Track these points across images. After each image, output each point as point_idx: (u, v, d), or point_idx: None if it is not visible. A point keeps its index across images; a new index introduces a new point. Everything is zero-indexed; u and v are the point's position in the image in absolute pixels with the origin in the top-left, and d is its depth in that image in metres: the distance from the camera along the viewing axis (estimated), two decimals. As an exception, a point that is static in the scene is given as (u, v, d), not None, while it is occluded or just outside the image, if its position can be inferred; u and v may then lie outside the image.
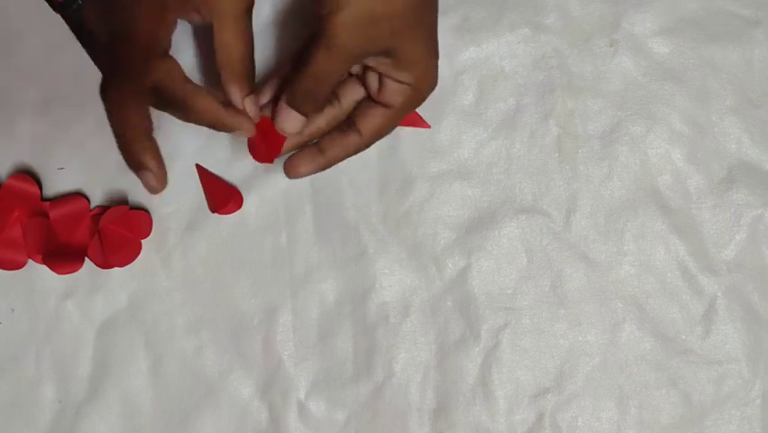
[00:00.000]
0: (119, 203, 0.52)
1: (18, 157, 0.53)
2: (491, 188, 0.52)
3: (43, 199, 0.52)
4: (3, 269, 0.52)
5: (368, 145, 0.47)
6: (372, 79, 0.45)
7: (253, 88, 0.45)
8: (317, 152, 0.46)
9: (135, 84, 0.40)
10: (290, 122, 0.44)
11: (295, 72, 0.43)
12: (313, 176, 0.52)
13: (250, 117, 0.45)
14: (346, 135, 0.46)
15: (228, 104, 0.45)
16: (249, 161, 0.52)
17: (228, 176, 0.52)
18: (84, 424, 0.51)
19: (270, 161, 0.47)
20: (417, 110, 0.52)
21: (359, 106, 0.47)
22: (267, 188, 0.52)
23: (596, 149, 0.52)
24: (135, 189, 0.52)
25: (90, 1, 0.44)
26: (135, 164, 0.40)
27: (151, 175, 0.41)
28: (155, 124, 0.52)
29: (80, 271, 0.51)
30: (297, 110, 0.44)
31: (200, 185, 0.52)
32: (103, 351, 0.52)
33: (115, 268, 0.52)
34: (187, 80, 0.44)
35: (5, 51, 0.53)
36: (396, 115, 0.46)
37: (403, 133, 0.52)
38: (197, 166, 0.52)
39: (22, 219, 0.52)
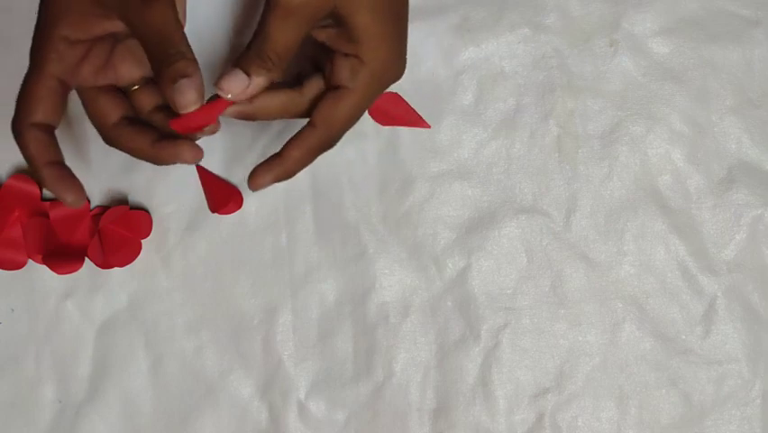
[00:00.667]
0: (119, 203, 0.52)
1: (18, 157, 0.52)
2: (491, 188, 0.52)
3: (43, 199, 0.52)
4: (3, 269, 0.52)
5: (328, 136, 0.43)
6: (326, 64, 0.43)
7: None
8: (278, 157, 0.43)
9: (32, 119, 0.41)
10: (233, 81, 0.40)
11: (249, 42, 0.41)
12: (313, 176, 0.52)
13: (187, 144, 0.43)
14: (301, 132, 0.43)
15: (161, 138, 0.42)
16: (249, 161, 0.52)
17: (228, 176, 0.52)
18: (84, 424, 0.51)
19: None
20: (418, 110, 0.52)
21: (316, 99, 0.43)
22: (267, 189, 0.52)
23: (596, 149, 0.52)
24: (135, 189, 0.52)
25: None
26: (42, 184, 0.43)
27: (66, 196, 0.42)
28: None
29: (80, 271, 0.51)
30: (242, 69, 0.40)
31: (200, 185, 0.52)
32: (103, 351, 0.52)
33: (115, 268, 0.52)
34: (117, 124, 0.43)
35: (5, 51, 0.53)
36: (349, 96, 0.42)
37: (403, 133, 0.52)
38: (197, 166, 0.52)
39: (22, 219, 0.52)
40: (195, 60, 0.40)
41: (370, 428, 0.51)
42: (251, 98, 0.42)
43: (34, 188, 0.52)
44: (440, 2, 0.53)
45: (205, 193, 0.52)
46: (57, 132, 0.52)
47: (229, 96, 0.41)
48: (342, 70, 0.42)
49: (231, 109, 0.42)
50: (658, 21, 0.53)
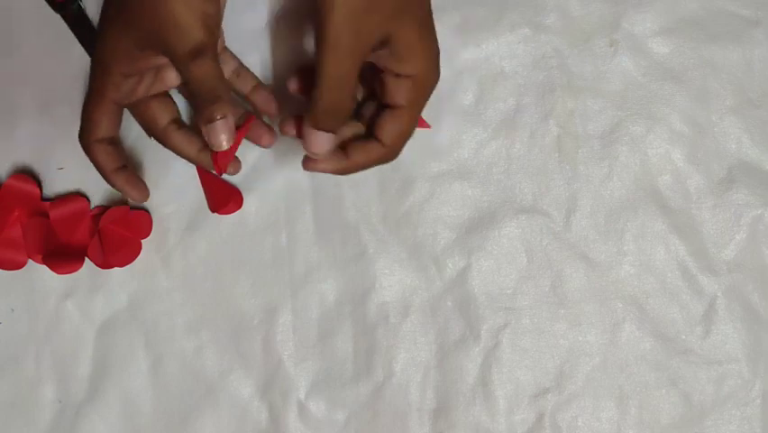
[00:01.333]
0: (119, 203, 0.52)
1: (18, 157, 0.53)
2: (491, 188, 0.52)
3: (43, 199, 0.52)
4: (3, 269, 0.52)
5: (394, 152, 0.46)
6: (377, 85, 0.45)
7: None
8: (342, 153, 0.45)
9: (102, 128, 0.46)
10: (320, 143, 0.44)
11: (312, 92, 0.42)
12: (313, 176, 0.52)
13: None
14: (369, 143, 0.45)
15: (206, 146, 0.46)
16: (249, 161, 0.52)
17: (228, 176, 0.52)
18: (84, 424, 0.51)
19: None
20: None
21: (374, 115, 0.46)
22: (267, 188, 0.52)
23: (596, 149, 0.52)
24: (135, 189, 0.52)
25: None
26: (117, 189, 0.49)
27: (133, 195, 0.49)
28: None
29: (80, 271, 0.51)
30: (327, 129, 0.43)
31: (200, 185, 0.52)
32: (103, 351, 0.52)
33: (115, 268, 0.52)
34: (172, 123, 0.47)
35: (5, 51, 0.53)
36: (407, 114, 0.45)
37: (403, 133, 0.52)
38: (198, 166, 0.52)
39: (22, 219, 0.52)
40: (230, 104, 0.44)
41: (370, 428, 0.51)
42: (349, 155, 0.45)
43: (34, 189, 0.52)
44: (440, 2, 0.53)
45: (205, 193, 0.52)
46: (53, 132, 0.53)
47: (319, 155, 0.44)
48: (399, 91, 0.44)
49: (330, 167, 0.45)
50: (658, 21, 0.53)
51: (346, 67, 0.42)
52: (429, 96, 0.45)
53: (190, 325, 0.52)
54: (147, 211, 0.52)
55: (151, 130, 0.47)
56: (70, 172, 0.52)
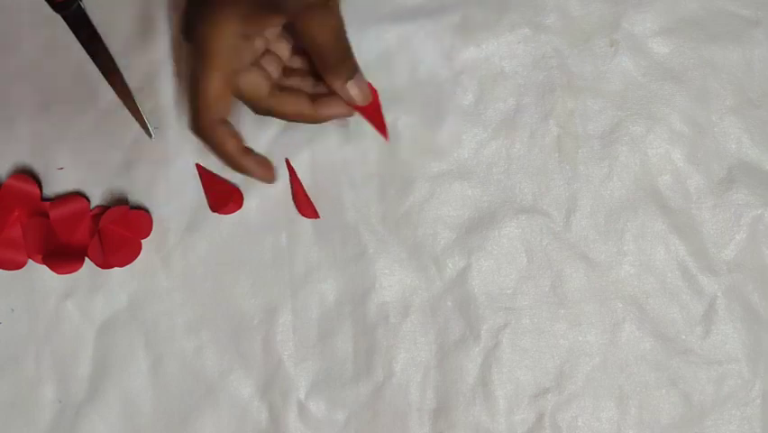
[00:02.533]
0: (119, 203, 0.52)
1: (18, 157, 0.53)
2: (491, 188, 0.52)
3: (43, 199, 0.52)
4: (3, 269, 0.52)
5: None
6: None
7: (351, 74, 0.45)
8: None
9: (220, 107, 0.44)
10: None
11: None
12: (313, 176, 0.52)
13: (339, 99, 0.46)
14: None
15: (316, 96, 0.46)
16: (249, 161, 0.52)
17: (228, 176, 0.52)
18: (84, 424, 0.51)
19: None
20: (418, 110, 0.52)
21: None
22: (267, 189, 0.52)
23: (596, 149, 0.52)
24: (135, 189, 0.52)
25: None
26: (243, 173, 0.46)
27: (267, 176, 0.46)
28: (156, 125, 0.52)
29: (80, 271, 0.51)
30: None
31: (200, 185, 0.52)
32: (103, 351, 0.52)
33: (115, 268, 0.52)
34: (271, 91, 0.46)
35: (5, 51, 0.53)
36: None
37: (403, 132, 0.52)
38: (198, 166, 0.53)
39: (22, 219, 0.52)
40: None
41: (370, 428, 0.51)
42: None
43: (34, 189, 0.52)
44: (440, 2, 0.53)
45: (205, 193, 0.52)
46: (53, 132, 0.53)
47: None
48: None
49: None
50: (658, 21, 0.53)
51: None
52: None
53: (190, 325, 0.52)
54: (147, 211, 0.52)
55: (256, 100, 0.45)
56: (70, 172, 0.52)
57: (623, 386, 0.51)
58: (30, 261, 0.52)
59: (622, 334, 0.51)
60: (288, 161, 0.52)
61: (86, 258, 0.51)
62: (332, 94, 0.46)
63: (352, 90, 0.45)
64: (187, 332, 0.52)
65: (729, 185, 0.52)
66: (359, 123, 0.52)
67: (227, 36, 0.41)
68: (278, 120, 0.52)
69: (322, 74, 0.45)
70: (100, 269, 0.51)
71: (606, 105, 0.52)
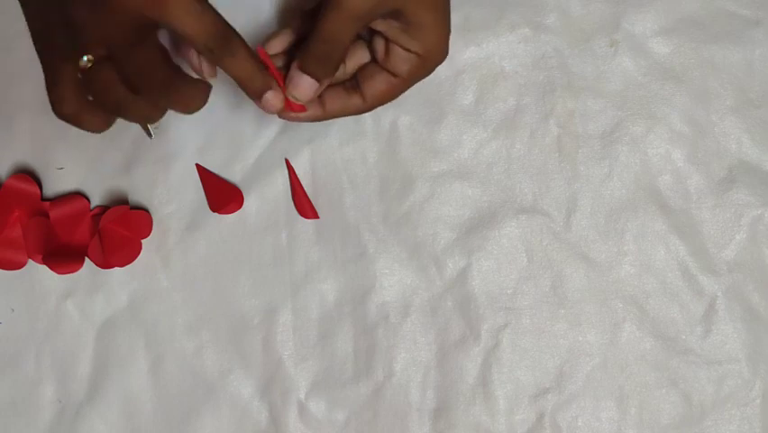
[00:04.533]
0: (119, 203, 0.52)
1: (18, 157, 0.53)
2: (491, 188, 0.52)
3: (43, 199, 0.52)
4: (3, 269, 0.52)
5: (369, 109, 0.46)
6: (379, 44, 0.45)
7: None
8: (318, 103, 0.46)
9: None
10: (303, 87, 0.44)
11: (308, 37, 0.43)
12: (313, 176, 0.52)
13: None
14: (349, 96, 0.46)
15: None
16: (250, 161, 0.52)
17: (228, 176, 0.52)
18: (84, 424, 0.51)
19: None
20: (417, 109, 0.52)
21: (364, 69, 0.46)
22: (267, 188, 0.52)
23: (596, 149, 0.52)
24: (135, 189, 0.52)
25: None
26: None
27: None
28: (156, 125, 0.52)
29: (80, 271, 0.51)
30: (311, 75, 0.43)
31: (200, 185, 0.52)
32: (103, 351, 0.52)
33: (115, 268, 0.52)
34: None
35: (5, 51, 0.53)
36: (401, 84, 0.45)
37: (403, 132, 0.52)
38: (197, 166, 0.53)
39: (22, 219, 0.52)
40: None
41: (370, 428, 0.51)
42: (324, 104, 0.46)
43: (34, 188, 0.52)
44: (440, 2, 0.53)
45: (205, 193, 0.52)
46: (53, 132, 0.53)
47: (299, 101, 0.44)
48: (402, 64, 0.45)
49: (304, 116, 0.45)
50: (658, 21, 0.53)
51: (347, 27, 0.42)
52: (430, 73, 0.46)
53: (190, 325, 0.52)
54: (147, 211, 0.52)
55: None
56: (70, 172, 0.52)
57: (623, 386, 0.51)
58: (30, 261, 0.52)
59: (622, 334, 0.51)
60: (287, 161, 0.52)
61: (86, 258, 0.51)
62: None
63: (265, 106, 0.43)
64: (187, 332, 0.52)
65: (729, 185, 0.52)
66: (360, 122, 0.52)
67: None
68: (277, 120, 0.52)
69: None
70: (100, 269, 0.51)
71: (606, 105, 0.52)
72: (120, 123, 0.52)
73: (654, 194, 0.52)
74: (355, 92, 0.46)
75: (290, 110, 0.45)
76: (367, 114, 0.52)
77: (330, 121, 0.52)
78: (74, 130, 0.53)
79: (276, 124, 0.52)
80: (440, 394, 0.51)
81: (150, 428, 0.51)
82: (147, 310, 0.52)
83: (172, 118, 0.52)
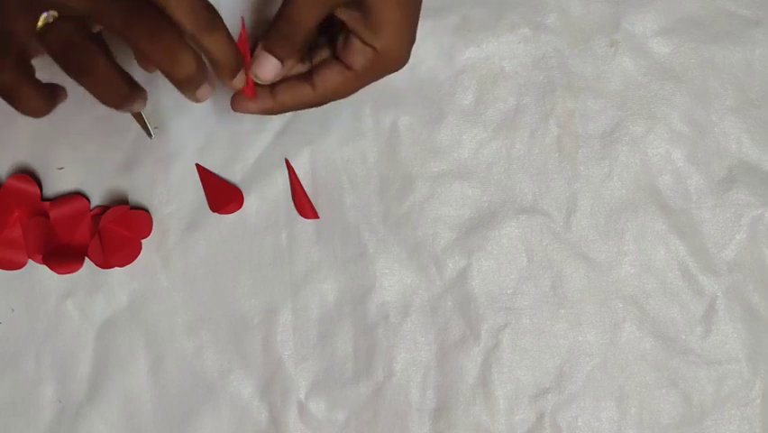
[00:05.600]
0: (119, 203, 0.52)
1: (18, 157, 0.53)
2: (491, 188, 0.52)
3: (43, 199, 0.52)
4: (3, 269, 0.52)
5: (321, 101, 0.46)
6: (340, 36, 0.45)
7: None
8: (268, 93, 0.46)
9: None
10: (266, 67, 0.44)
11: (274, 18, 0.43)
12: (313, 176, 0.52)
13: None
14: (299, 85, 0.46)
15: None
16: (250, 161, 0.52)
17: (228, 176, 0.53)
18: (84, 424, 0.51)
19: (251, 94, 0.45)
20: (418, 109, 0.52)
21: (321, 62, 0.46)
22: (267, 188, 0.52)
23: (596, 149, 0.52)
24: (135, 189, 0.52)
25: None
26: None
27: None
28: (156, 125, 0.52)
29: (80, 271, 0.51)
30: (273, 54, 0.44)
31: (200, 185, 0.52)
32: (103, 351, 0.52)
33: (115, 268, 0.52)
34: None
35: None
36: (354, 78, 0.45)
37: (403, 132, 0.52)
38: (197, 166, 0.53)
39: (22, 219, 0.52)
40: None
41: (370, 428, 0.51)
42: (275, 95, 0.45)
43: (34, 188, 0.52)
44: (440, 2, 0.53)
45: (205, 193, 0.52)
46: (53, 132, 0.53)
47: (261, 80, 0.44)
48: (357, 56, 0.44)
49: (254, 107, 0.45)
50: (658, 21, 0.53)
51: (310, 10, 0.42)
52: (386, 74, 0.45)
53: (190, 325, 0.52)
54: (147, 211, 0.52)
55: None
56: (70, 172, 0.52)
57: (623, 386, 0.51)
58: (30, 261, 0.52)
59: (622, 334, 0.51)
60: (287, 161, 0.52)
61: (86, 258, 0.51)
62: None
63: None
64: (187, 332, 0.52)
65: (729, 185, 0.52)
66: (360, 122, 0.52)
67: None
68: (278, 120, 0.52)
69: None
70: (100, 269, 0.51)
71: (606, 105, 0.52)
72: (119, 123, 0.52)
73: (654, 194, 0.52)
74: (306, 82, 0.46)
75: (244, 94, 0.45)
76: (367, 114, 0.52)
77: (330, 121, 0.52)
78: (74, 130, 0.53)
79: (276, 124, 0.52)
80: (440, 394, 0.51)
81: (150, 428, 0.51)
82: (147, 310, 0.52)
83: (172, 118, 0.52)
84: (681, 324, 0.51)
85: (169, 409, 0.51)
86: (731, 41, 0.52)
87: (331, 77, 0.45)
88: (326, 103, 0.46)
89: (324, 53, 0.47)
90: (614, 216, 0.52)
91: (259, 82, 0.45)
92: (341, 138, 0.52)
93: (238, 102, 0.46)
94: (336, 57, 0.45)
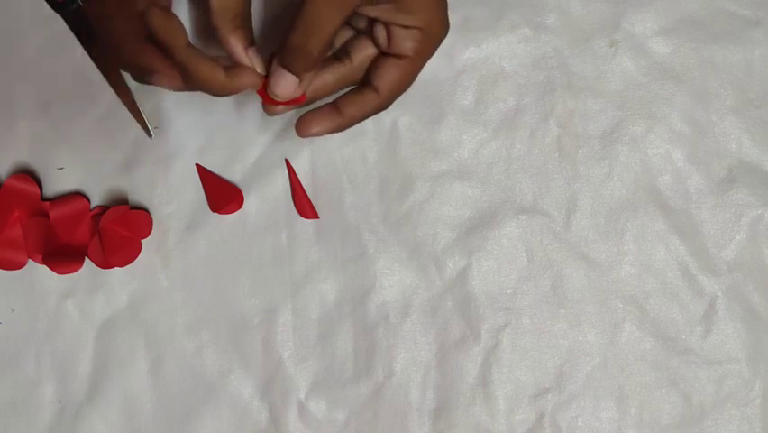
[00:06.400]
0: (119, 203, 0.52)
1: (18, 157, 0.53)
2: (491, 188, 0.52)
3: (43, 199, 0.52)
4: (3, 269, 0.52)
5: (387, 102, 0.45)
6: (380, 32, 0.44)
7: (253, 41, 0.43)
8: (334, 110, 0.44)
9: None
10: (282, 83, 0.42)
11: (288, 28, 0.41)
12: (313, 176, 0.52)
13: (253, 69, 0.42)
14: (363, 94, 0.44)
15: (229, 67, 0.42)
16: (250, 161, 0.52)
17: (228, 176, 0.53)
18: (84, 424, 0.51)
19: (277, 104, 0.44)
20: (418, 109, 0.52)
21: (373, 63, 0.44)
22: (267, 188, 0.52)
23: (596, 149, 0.52)
24: (135, 189, 0.52)
25: None
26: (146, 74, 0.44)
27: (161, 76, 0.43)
28: (156, 125, 0.52)
29: (80, 271, 0.51)
30: (289, 69, 0.42)
31: (200, 185, 0.52)
32: (103, 351, 0.52)
33: (115, 268, 0.52)
34: (190, 45, 0.42)
35: (5, 51, 0.53)
36: (412, 65, 0.44)
37: (403, 132, 0.52)
38: (197, 166, 0.53)
39: (22, 219, 0.52)
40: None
41: (370, 428, 0.51)
42: (341, 110, 0.44)
43: (34, 188, 0.52)
44: (440, 2, 0.53)
45: (205, 193, 0.52)
46: (53, 132, 0.53)
47: (280, 98, 0.43)
48: (405, 42, 0.43)
49: (322, 129, 0.44)
50: (658, 21, 0.53)
51: (326, 15, 0.40)
52: (436, 48, 0.44)
53: (190, 325, 0.52)
54: (147, 211, 0.52)
55: (174, 48, 0.42)
56: (70, 172, 0.52)
57: (623, 386, 0.51)
58: (30, 261, 0.52)
59: (622, 334, 0.51)
60: (287, 161, 0.52)
61: (86, 258, 0.51)
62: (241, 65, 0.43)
63: (252, 58, 0.42)
64: (187, 332, 0.52)
65: (729, 185, 0.52)
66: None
67: None
68: (278, 120, 0.52)
69: (223, 38, 0.43)
70: (100, 269, 0.51)
71: (606, 105, 0.52)
72: (119, 123, 0.52)
73: (654, 194, 0.52)
74: (368, 88, 0.44)
75: (272, 104, 0.43)
76: None
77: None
78: (74, 130, 0.53)
79: (276, 124, 0.52)
80: (440, 394, 0.51)
81: (150, 428, 0.51)
82: (147, 310, 0.52)
83: (172, 118, 0.52)
84: (680, 324, 0.51)
85: (169, 409, 0.51)
86: (731, 41, 0.52)
87: (389, 73, 0.44)
88: (392, 103, 0.45)
89: (365, 48, 0.45)
90: (614, 216, 0.52)
91: (277, 100, 0.43)
92: (341, 138, 0.52)
93: (302, 127, 0.44)
94: (385, 52, 0.44)
